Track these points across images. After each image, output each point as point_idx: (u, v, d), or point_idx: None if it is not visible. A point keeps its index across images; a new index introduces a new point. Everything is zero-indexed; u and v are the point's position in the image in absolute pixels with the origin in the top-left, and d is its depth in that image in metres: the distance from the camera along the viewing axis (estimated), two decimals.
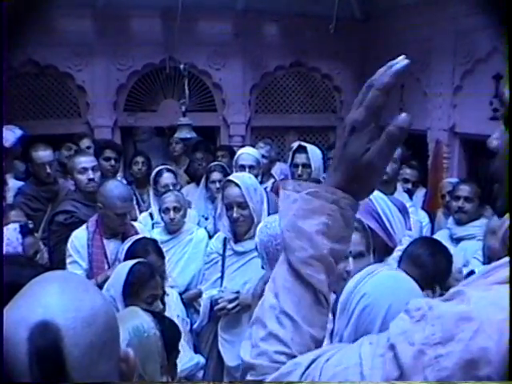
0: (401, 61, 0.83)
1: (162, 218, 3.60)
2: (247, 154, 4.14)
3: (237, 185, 2.97)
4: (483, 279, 0.72)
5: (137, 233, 3.26)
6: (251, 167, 4.02)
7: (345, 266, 1.94)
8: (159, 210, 3.66)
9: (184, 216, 3.65)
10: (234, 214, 2.93)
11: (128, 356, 0.96)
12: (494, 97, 4.22)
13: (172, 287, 3.12)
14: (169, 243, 3.55)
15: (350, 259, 1.95)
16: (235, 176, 3.17)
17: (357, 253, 1.98)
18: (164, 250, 3.50)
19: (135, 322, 1.65)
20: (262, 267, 2.43)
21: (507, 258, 0.71)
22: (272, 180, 4.87)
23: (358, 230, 1.99)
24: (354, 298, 1.35)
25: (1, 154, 3.69)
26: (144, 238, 3.01)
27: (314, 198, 0.87)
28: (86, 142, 5.13)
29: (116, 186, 3.19)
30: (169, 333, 1.73)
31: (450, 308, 0.67)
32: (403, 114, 0.85)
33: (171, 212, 3.53)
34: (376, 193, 2.61)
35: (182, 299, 3.19)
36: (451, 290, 0.72)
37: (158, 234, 3.62)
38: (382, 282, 1.37)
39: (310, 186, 0.90)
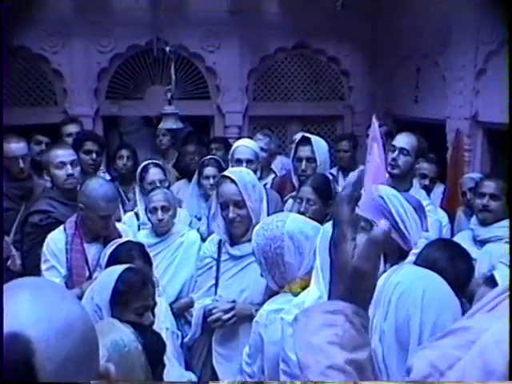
0: None
1: (149, 219, 3.61)
2: (244, 146, 4.14)
3: (233, 181, 2.97)
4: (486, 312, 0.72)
5: (120, 236, 3.26)
6: (249, 161, 4.01)
7: None
8: (146, 209, 3.66)
9: (174, 216, 3.65)
10: (230, 214, 2.92)
11: (108, 371, 0.96)
12: None
13: (159, 296, 3.12)
14: (157, 247, 3.55)
15: None
16: (231, 171, 3.16)
17: None
18: (151, 254, 3.50)
19: (114, 336, 1.65)
20: (261, 275, 2.42)
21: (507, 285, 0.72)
22: (272, 175, 4.87)
23: (365, 229, 1.99)
24: (387, 290, 1.54)
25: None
26: (129, 241, 3.01)
27: (321, 313, 0.98)
28: (70, 128, 5.10)
29: (100, 185, 3.18)
30: (152, 345, 1.73)
31: None
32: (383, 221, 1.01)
33: (159, 212, 3.54)
34: (388, 190, 2.62)
35: (171, 310, 3.20)
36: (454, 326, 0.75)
37: (144, 237, 3.62)
38: (411, 271, 1.62)
39: (316, 306, 1.05)
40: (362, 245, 0.99)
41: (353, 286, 0.98)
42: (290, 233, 2.27)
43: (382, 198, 2.54)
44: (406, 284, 1.53)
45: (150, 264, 2.90)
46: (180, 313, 3.36)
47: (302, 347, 0.98)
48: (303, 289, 2.14)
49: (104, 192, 3.13)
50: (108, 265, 2.69)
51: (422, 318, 1.45)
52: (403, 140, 3.62)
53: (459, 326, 0.75)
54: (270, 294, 2.48)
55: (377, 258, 0.99)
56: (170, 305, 3.34)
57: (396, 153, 3.56)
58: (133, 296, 2.21)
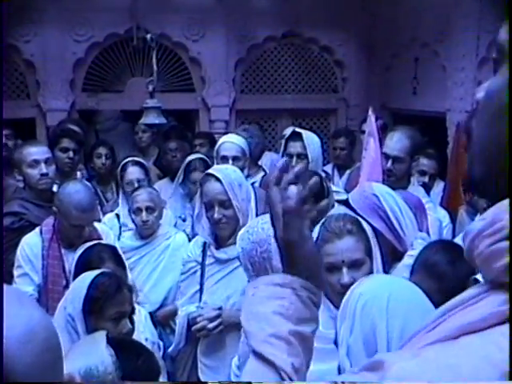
0: None
1: (133, 220, 3.59)
2: (230, 142, 4.11)
3: (218, 179, 2.95)
4: (425, 334, 0.71)
5: (100, 238, 3.24)
6: (235, 159, 3.99)
7: (338, 279, 1.95)
8: (129, 210, 3.64)
9: (159, 217, 3.64)
10: (216, 215, 2.91)
11: (73, 380, 0.96)
12: None
13: (139, 303, 3.11)
14: (141, 250, 3.55)
15: (344, 270, 1.96)
16: (216, 169, 3.15)
17: (352, 261, 1.99)
18: (135, 258, 3.53)
19: (90, 361, 1.62)
20: (249, 281, 2.43)
21: (465, 295, 0.71)
22: (262, 173, 4.86)
23: (351, 232, 2.00)
24: (351, 302, 1.53)
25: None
26: (99, 243, 2.98)
27: (268, 285, 1.06)
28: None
29: (76, 191, 3.14)
30: (145, 371, 1.71)
31: None
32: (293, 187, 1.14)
33: (143, 213, 3.52)
34: (383, 188, 2.62)
35: (152, 318, 3.19)
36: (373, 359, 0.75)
37: (128, 239, 3.62)
38: (376, 279, 1.65)
39: (265, 278, 1.14)
40: (281, 216, 1.09)
41: (288, 258, 1.08)
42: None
43: (377, 196, 2.56)
44: (369, 293, 1.54)
45: (124, 267, 2.88)
46: (164, 321, 3.35)
47: (248, 316, 1.07)
48: None
49: (78, 200, 3.09)
50: (77, 269, 2.68)
51: (388, 325, 1.45)
52: (395, 147, 3.58)
53: (375, 359, 0.73)
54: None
55: (301, 227, 1.08)
56: (154, 312, 3.35)
57: (390, 163, 3.55)
58: (106, 302, 2.19)
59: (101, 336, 1.79)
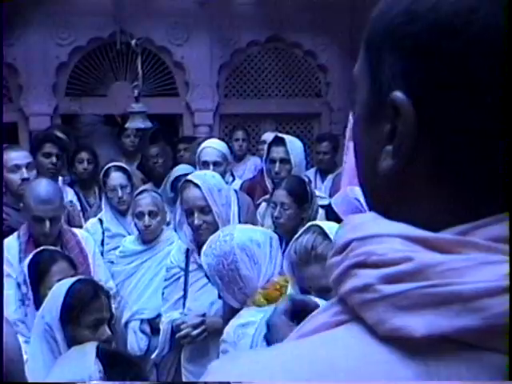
0: None
1: (136, 225, 3.55)
2: (211, 148, 4.08)
3: (197, 185, 2.94)
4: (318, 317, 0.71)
5: (78, 243, 3.21)
6: (216, 164, 3.97)
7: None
8: (133, 214, 3.59)
9: (162, 222, 3.61)
10: (196, 221, 2.89)
11: None
12: None
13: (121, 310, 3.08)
14: (143, 255, 3.52)
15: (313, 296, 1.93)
16: (194, 175, 3.14)
17: (319, 288, 1.93)
18: (137, 262, 3.52)
19: (77, 375, 1.59)
20: (219, 296, 2.43)
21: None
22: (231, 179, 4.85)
23: (318, 259, 1.94)
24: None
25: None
26: (46, 249, 2.96)
27: None
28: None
29: (37, 184, 3.17)
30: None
31: None
32: None
33: (146, 217, 3.46)
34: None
35: (151, 326, 3.23)
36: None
37: (130, 243, 3.59)
38: None
39: None
40: None
41: None
42: (240, 245, 2.25)
43: (359, 200, 2.55)
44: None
45: (74, 268, 2.81)
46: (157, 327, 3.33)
47: None
48: (267, 299, 2.13)
49: (38, 191, 3.10)
50: (30, 274, 2.68)
51: None
52: None
53: None
54: (228, 314, 2.49)
55: None
56: (154, 319, 3.34)
57: None
58: (83, 309, 2.15)
59: (91, 348, 1.76)
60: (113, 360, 1.76)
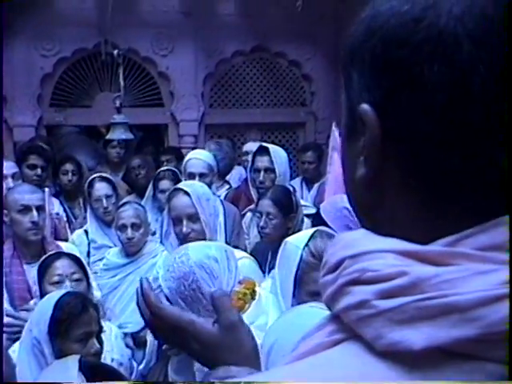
0: None
1: (119, 237, 3.52)
2: (197, 159, 4.07)
3: (186, 193, 2.95)
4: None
5: None
6: (202, 175, 3.95)
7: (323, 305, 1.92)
8: (115, 226, 3.58)
9: (146, 234, 3.58)
10: (184, 229, 2.88)
11: None
12: None
13: (110, 320, 3.06)
14: (126, 268, 3.50)
15: None
16: (184, 184, 3.15)
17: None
18: (121, 276, 3.50)
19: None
20: None
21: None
22: (227, 186, 4.85)
23: (316, 269, 1.95)
24: (265, 339, 1.52)
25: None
26: (60, 252, 2.98)
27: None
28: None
29: (17, 185, 3.27)
30: None
31: None
32: None
33: (129, 230, 3.44)
34: None
35: (134, 340, 3.21)
36: None
37: (113, 256, 3.56)
38: (290, 317, 1.59)
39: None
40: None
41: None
42: (198, 263, 2.21)
43: (348, 210, 2.56)
44: (278, 332, 1.52)
45: (79, 264, 2.85)
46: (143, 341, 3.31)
47: None
48: (243, 298, 2.13)
49: (21, 186, 3.21)
50: (38, 271, 2.72)
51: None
52: None
53: None
54: None
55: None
56: (137, 333, 3.33)
57: None
58: (72, 323, 2.15)
59: (73, 361, 1.75)
60: (95, 372, 1.76)
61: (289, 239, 2.04)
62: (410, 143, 0.58)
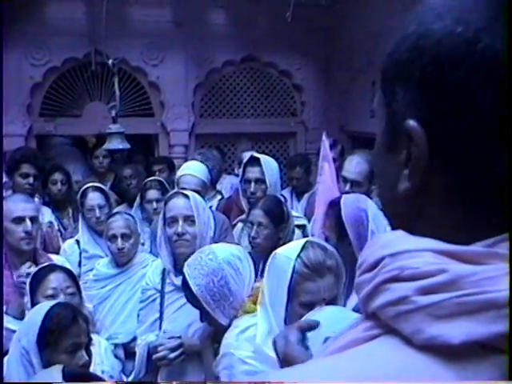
0: None
1: (109, 248, 3.52)
2: (191, 176, 4.03)
3: (186, 196, 2.98)
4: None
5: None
6: (195, 192, 3.94)
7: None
8: (106, 237, 3.56)
9: (136, 245, 3.56)
10: (180, 229, 2.89)
11: None
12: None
13: (99, 333, 3.05)
14: (116, 278, 3.48)
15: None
16: (183, 189, 3.20)
17: (332, 298, 1.97)
18: (111, 286, 3.48)
19: None
20: (202, 320, 2.46)
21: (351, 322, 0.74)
22: (219, 197, 4.85)
23: (331, 269, 1.96)
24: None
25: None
26: (52, 264, 2.98)
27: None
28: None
29: (12, 194, 3.29)
30: None
31: None
32: None
33: (119, 240, 3.43)
34: (374, 207, 2.66)
35: (125, 351, 3.19)
36: None
37: (103, 267, 3.55)
38: (322, 314, 1.63)
39: None
40: None
41: None
42: (225, 259, 2.37)
43: (366, 213, 2.59)
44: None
45: (73, 278, 2.84)
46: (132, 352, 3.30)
47: None
48: (255, 304, 2.14)
49: (15, 196, 3.20)
50: (31, 282, 2.70)
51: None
52: (354, 170, 3.61)
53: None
54: (210, 336, 2.50)
55: None
56: (128, 344, 3.31)
57: (348, 186, 3.58)
58: (61, 334, 2.14)
59: (57, 371, 1.74)
60: (79, 381, 1.75)
61: (278, 251, 2.04)
62: (459, 160, 0.61)
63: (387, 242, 0.65)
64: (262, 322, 1.96)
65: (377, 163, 0.75)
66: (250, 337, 2.04)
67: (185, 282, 2.46)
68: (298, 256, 1.93)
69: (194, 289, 2.34)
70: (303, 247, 1.96)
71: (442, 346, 0.56)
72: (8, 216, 3.09)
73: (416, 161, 0.63)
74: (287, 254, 1.97)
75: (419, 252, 0.61)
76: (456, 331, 0.55)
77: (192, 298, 2.43)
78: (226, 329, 2.27)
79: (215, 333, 2.46)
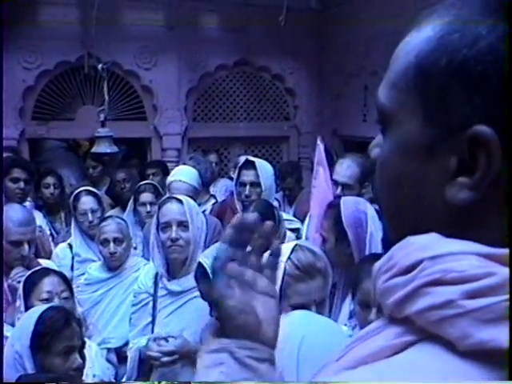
0: None
1: (101, 252, 3.51)
2: (182, 182, 4.05)
3: (179, 201, 2.98)
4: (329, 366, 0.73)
5: None
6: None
7: None
8: (98, 241, 3.55)
9: (128, 249, 3.57)
10: (173, 234, 2.89)
11: None
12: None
13: (90, 338, 3.03)
14: (109, 282, 3.48)
15: (313, 308, 1.93)
16: (176, 195, 3.19)
17: (321, 299, 1.97)
18: (103, 290, 3.48)
19: None
20: (211, 313, 2.43)
21: (367, 329, 0.72)
22: (213, 201, 4.84)
23: (321, 271, 1.97)
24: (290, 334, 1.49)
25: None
26: (42, 267, 2.97)
27: (207, 354, 1.01)
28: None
29: (12, 209, 3.16)
30: None
31: None
32: None
33: (111, 244, 3.43)
34: (373, 210, 2.67)
35: (118, 355, 3.18)
36: None
37: (95, 271, 3.54)
38: (292, 318, 1.63)
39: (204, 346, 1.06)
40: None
41: (222, 319, 1.04)
42: None
43: (366, 216, 2.60)
44: (282, 334, 1.51)
45: (67, 283, 2.82)
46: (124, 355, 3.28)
47: None
48: None
49: (15, 215, 3.10)
50: (24, 287, 2.68)
51: (298, 371, 1.39)
52: (344, 174, 3.62)
53: None
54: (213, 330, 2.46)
55: (229, 288, 1.00)
56: (121, 348, 3.30)
57: (339, 189, 3.58)
58: (54, 337, 2.13)
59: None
60: None
61: (267, 254, 2.04)
62: None
63: (425, 245, 0.63)
64: None
65: (399, 171, 0.70)
66: None
67: (199, 273, 2.44)
68: (289, 258, 1.94)
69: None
70: (293, 250, 1.96)
71: (490, 351, 0.54)
72: (6, 236, 3.04)
73: (486, 169, 0.60)
74: (283, 256, 1.97)
75: (463, 255, 0.59)
76: (506, 335, 0.53)
77: (206, 290, 2.40)
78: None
79: (221, 329, 2.44)
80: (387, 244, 0.73)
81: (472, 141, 0.60)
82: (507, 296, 0.55)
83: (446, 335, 0.58)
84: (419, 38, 0.69)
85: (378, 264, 0.70)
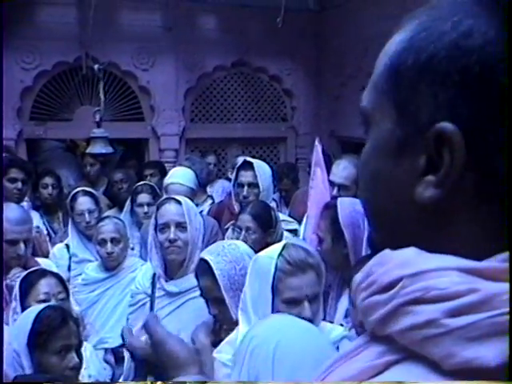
0: None
1: (98, 252, 3.52)
2: (179, 184, 4.03)
3: (178, 202, 2.98)
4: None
5: None
6: None
7: (299, 312, 1.92)
8: (95, 241, 3.55)
9: (125, 249, 3.57)
10: (171, 235, 2.89)
11: None
12: None
13: (86, 339, 3.03)
14: (106, 282, 3.48)
15: (306, 304, 1.94)
16: (175, 196, 3.19)
17: (314, 295, 1.98)
18: (100, 290, 3.48)
19: None
20: (210, 312, 2.43)
21: (350, 346, 0.70)
22: (210, 201, 4.85)
23: (313, 266, 1.99)
24: (243, 345, 1.48)
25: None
26: (39, 268, 2.96)
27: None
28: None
29: (9, 208, 3.15)
30: None
31: None
32: None
33: (108, 244, 3.44)
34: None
35: (115, 356, 3.19)
36: None
37: (92, 271, 3.55)
38: (270, 321, 1.60)
39: None
40: None
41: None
42: (246, 251, 2.37)
43: (362, 215, 2.62)
44: (260, 337, 1.45)
45: (64, 284, 2.83)
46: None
47: None
48: None
49: (11, 214, 3.10)
50: (20, 287, 2.68)
51: (273, 374, 1.36)
52: (341, 175, 3.62)
53: None
54: (210, 331, 2.48)
55: None
56: (118, 348, 3.29)
57: (335, 190, 3.59)
58: (51, 335, 2.14)
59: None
60: None
61: (259, 254, 2.08)
62: (488, 163, 0.59)
63: (404, 261, 0.61)
64: (243, 326, 1.97)
65: (375, 169, 0.71)
66: (232, 340, 2.04)
67: (201, 270, 2.43)
68: (280, 254, 1.95)
69: (217, 273, 2.30)
70: (284, 247, 1.98)
71: (477, 370, 0.53)
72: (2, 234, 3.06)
73: (450, 166, 0.59)
74: (269, 254, 2.01)
75: (443, 271, 0.57)
76: (492, 353, 0.52)
77: (208, 287, 2.39)
78: (232, 323, 2.25)
79: (219, 328, 2.44)
80: (372, 243, 0.72)
81: (437, 138, 0.60)
82: (492, 313, 0.53)
83: (430, 355, 0.56)
84: (396, 41, 0.70)
85: (357, 278, 0.68)
